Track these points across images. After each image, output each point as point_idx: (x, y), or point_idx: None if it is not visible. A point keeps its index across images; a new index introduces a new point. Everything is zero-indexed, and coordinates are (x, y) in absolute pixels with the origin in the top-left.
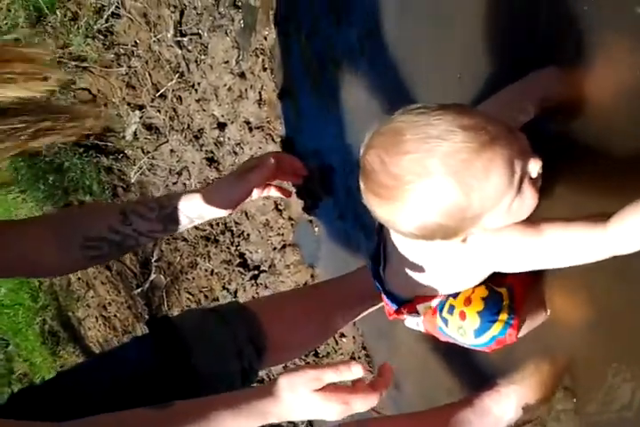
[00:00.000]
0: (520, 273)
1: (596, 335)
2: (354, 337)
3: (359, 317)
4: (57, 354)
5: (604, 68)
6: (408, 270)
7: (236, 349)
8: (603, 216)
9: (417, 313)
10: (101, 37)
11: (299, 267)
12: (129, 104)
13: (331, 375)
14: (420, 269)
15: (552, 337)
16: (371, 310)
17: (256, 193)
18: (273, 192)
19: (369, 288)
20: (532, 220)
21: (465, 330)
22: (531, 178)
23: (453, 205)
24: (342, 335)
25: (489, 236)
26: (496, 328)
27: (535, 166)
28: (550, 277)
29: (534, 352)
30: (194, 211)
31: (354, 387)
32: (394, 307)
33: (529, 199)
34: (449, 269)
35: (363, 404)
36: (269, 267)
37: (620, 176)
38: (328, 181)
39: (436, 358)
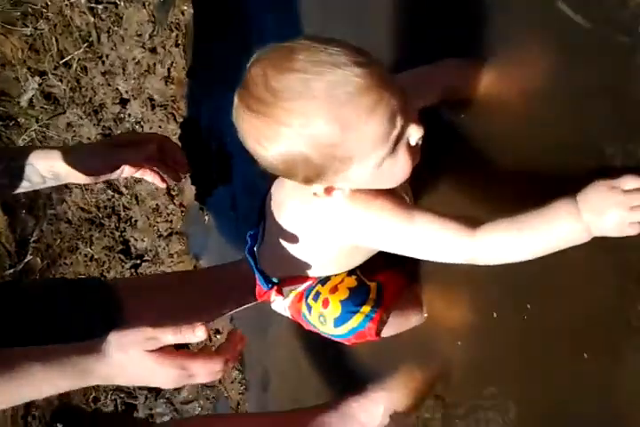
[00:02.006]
0: (393, 271)
1: (472, 341)
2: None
3: (235, 311)
4: None
5: (509, 65)
6: (280, 247)
7: (83, 328)
8: (474, 221)
9: (283, 295)
10: None
11: (183, 257)
12: (29, 68)
13: (168, 336)
14: (290, 246)
15: (427, 342)
16: (249, 305)
17: (128, 171)
18: (148, 176)
19: (249, 280)
20: (407, 204)
21: (325, 318)
22: (409, 145)
23: (326, 136)
24: (217, 332)
25: (358, 202)
26: (356, 320)
27: (416, 133)
28: (428, 280)
29: (409, 357)
30: (49, 169)
31: (195, 352)
32: (264, 287)
33: (401, 164)
34: (317, 244)
35: (203, 369)
36: (153, 257)
37: (502, 181)
38: (226, 168)
39: (309, 359)
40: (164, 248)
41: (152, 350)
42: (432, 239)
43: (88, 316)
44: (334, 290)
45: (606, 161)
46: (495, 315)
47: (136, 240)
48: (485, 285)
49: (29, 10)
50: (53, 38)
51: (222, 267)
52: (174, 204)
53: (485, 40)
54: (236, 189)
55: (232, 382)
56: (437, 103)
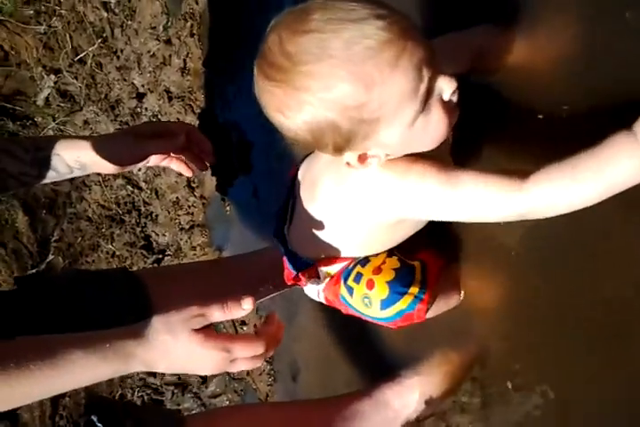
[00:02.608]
0: (432, 251)
1: (509, 325)
2: (255, 325)
3: (262, 300)
4: None
5: (539, 33)
6: (313, 227)
7: (113, 317)
8: (523, 173)
9: (318, 278)
10: None
11: (205, 250)
12: (44, 67)
13: (217, 312)
14: (326, 225)
15: (463, 324)
16: (276, 293)
17: (154, 161)
18: (174, 165)
19: (278, 266)
20: (448, 166)
21: (371, 300)
22: (443, 101)
23: (350, 97)
24: (243, 323)
25: (397, 170)
26: (404, 301)
27: (448, 87)
28: (465, 260)
29: (443, 340)
30: (75, 159)
31: (236, 335)
32: (294, 271)
33: (436, 122)
34: (356, 222)
35: (245, 352)
36: (175, 251)
37: (539, 137)
38: (246, 157)
39: (338, 347)
40: (186, 241)
41: (197, 330)
42: (481, 198)
43: (115, 303)
44: (378, 271)
45: None
46: (532, 297)
47: (157, 235)
48: (525, 267)
49: (42, 8)
50: (67, 35)
51: (250, 254)
52: (195, 196)
53: (516, 6)
54: (256, 178)
55: (260, 374)
56: (468, 69)
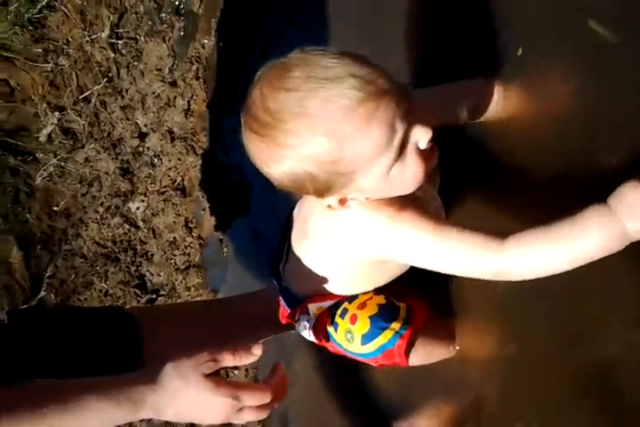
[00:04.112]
0: (422, 299)
1: (503, 378)
2: (247, 369)
3: (262, 340)
4: None
5: (529, 89)
6: (305, 264)
7: (105, 358)
8: (503, 234)
9: (307, 315)
10: (31, 28)
11: (200, 291)
12: (49, 104)
13: (227, 357)
14: (316, 262)
15: (457, 376)
16: (269, 337)
17: None
18: None
19: (271, 311)
20: (432, 216)
21: (353, 335)
22: (419, 148)
23: (326, 153)
24: (235, 367)
25: (378, 211)
26: (385, 336)
27: (423, 135)
28: (462, 312)
29: (437, 391)
30: None
31: (244, 383)
32: (288, 309)
33: (411, 169)
34: (343, 259)
35: (253, 400)
36: (169, 291)
37: (526, 196)
38: (245, 199)
39: (331, 394)
40: (180, 282)
41: (208, 376)
42: (462, 256)
43: (106, 340)
44: (363, 306)
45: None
46: (528, 351)
47: (152, 274)
48: (520, 320)
49: (50, 46)
50: (73, 74)
51: (246, 295)
52: (192, 236)
53: (507, 59)
54: (256, 220)
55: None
56: (459, 122)
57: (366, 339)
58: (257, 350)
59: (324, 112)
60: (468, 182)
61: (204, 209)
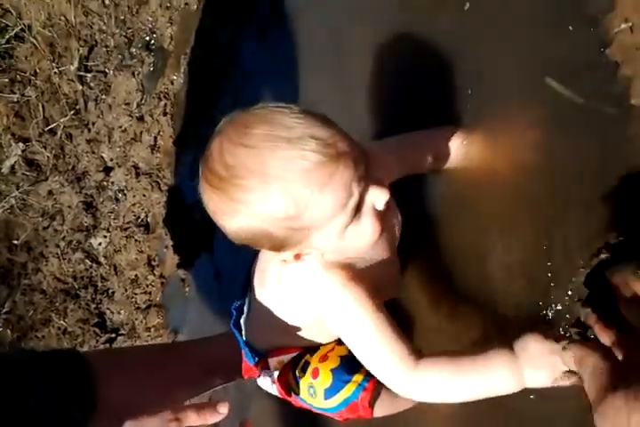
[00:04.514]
0: None
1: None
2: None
3: (218, 387)
4: None
5: (496, 137)
6: (265, 317)
7: (56, 408)
8: (417, 354)
9: (268, 369)
10: None
11: (160, 331)
12: (13, 135)
13: (192, 416)
14: (275, 315)
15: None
16: (228, 383)
17: None
18: None
19: (235, 355)
20: (376, 302)
21: (315, 389)
22: (375, 209)
23: (281, 211)
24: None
25: (339, 277)
26: (348, 389)
27: (380, 197)
28: None
29: None
30: None
31: None
32: (250, 362)
33: (367, 229)
34: (301, 311)
35: None
36: (129, 330)
37: (484, 259)
38: (209, 238)
39: None
40: (141, 321)
41: None
42: (376, 351)
43: (59, 388)
44: (324, 358)
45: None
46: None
47: (112, 313)
48: None
49: (17, 77)
50: (40, 105)
51: (205, 340)
52: (154, 275)
53: (474, 112)
54: (219, 260)
55: None
56: (423, 171)
57: (329, 393)
58: (223, 409)
59: (281, 172)
60: (426, 240)
61: (166, 247)
